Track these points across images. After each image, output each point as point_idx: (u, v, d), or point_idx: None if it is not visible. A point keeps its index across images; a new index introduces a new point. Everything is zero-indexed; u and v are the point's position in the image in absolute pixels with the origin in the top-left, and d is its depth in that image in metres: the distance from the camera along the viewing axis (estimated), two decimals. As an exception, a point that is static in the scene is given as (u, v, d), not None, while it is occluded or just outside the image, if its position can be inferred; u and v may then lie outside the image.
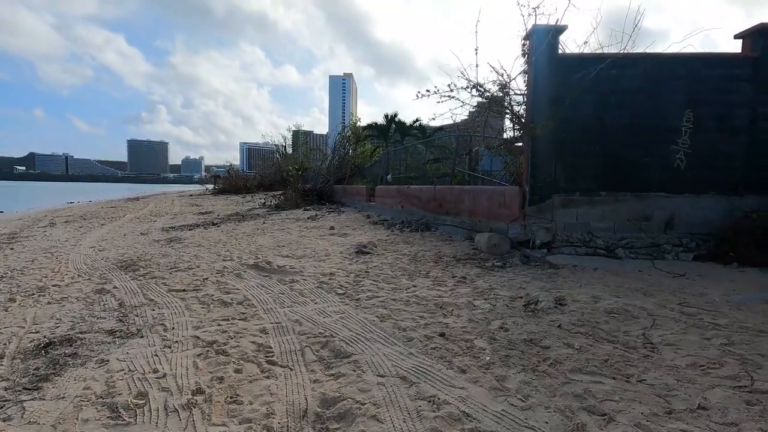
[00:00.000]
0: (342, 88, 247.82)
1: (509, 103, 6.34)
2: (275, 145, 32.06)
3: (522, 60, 6.09)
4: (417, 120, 22.15)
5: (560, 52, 5.40)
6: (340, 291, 4.10)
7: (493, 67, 5.78)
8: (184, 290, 4.38)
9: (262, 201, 18.19)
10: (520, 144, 7.42)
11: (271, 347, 2.85)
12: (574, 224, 5.52)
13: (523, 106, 6.20)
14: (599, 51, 5.42)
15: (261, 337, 3.05)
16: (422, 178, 13.24)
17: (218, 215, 13.60)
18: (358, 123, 19.40)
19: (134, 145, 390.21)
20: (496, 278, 4.49)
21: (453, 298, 3.77)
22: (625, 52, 5.27)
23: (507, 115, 6.38)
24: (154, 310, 3.75)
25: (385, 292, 4.06)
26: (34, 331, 3.32)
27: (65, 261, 6.35)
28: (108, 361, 2.70)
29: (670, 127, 5.40)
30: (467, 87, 6.64)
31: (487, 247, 5.64)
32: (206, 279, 4.84)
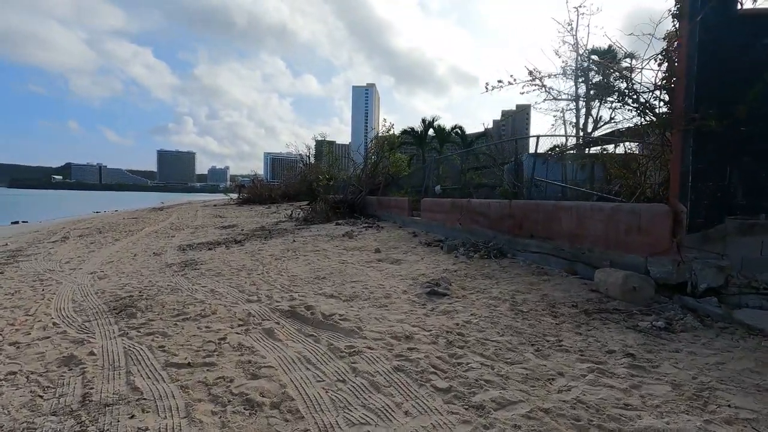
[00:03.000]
0: (365, 98, 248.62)
1: (631, 87, 4.65)
2: (299, 154, 31.03)
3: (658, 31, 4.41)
4: (456, 126, 20.45)
5: (739, 8, 3.68)
6: (440, 383, 2.46)
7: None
8: (189, 365, 2.84)
9: (289, 213, 16.86)
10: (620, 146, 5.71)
11: None
12: (758, 261, 3.72)
13: (656, 93, 4.48)
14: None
15: None
16: (462, 189, 11.57)
17: (242, 230, 12.25)
18: (392, 130, 17.91)
19: (163, 155, 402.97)
20: (683, 356, 2.75)
21: (660, 417, 2.06)
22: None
23: (629, 104, 4.67)
24: (133, 416, 2.21)
25: (517, 387, 2.39)
26: None
27: (50, 296, 4.97)
28: None
29: None
30: (564, 73, 4.99)
31: (621, 292, 3.90)
32: (223, 339, 3.30)
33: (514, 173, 11.28)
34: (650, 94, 4.51)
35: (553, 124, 13.21)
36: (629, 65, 4.63)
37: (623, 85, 4.71)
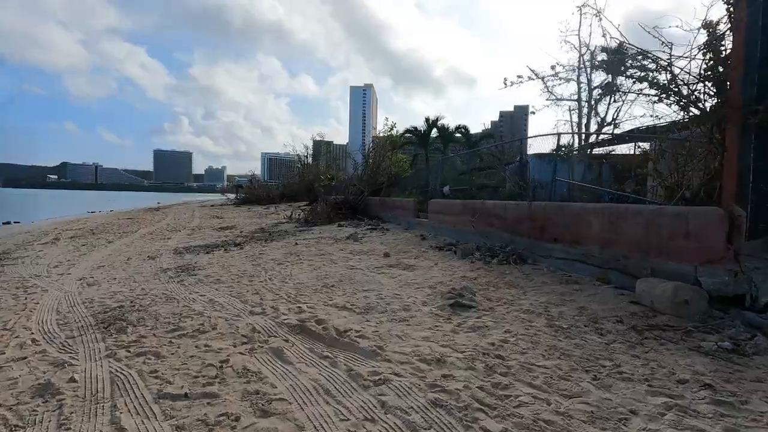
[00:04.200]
0: (363, 99, 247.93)
1: (673, 79, 4.25)
2: (297, 155, 30.61)
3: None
4: (460, 125, 20.07)
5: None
6: (491, 425, 2.02)
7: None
8: (185, 396, 2.40)
9: (288, 214, 16.41)
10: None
11: None
12: (826, 271, 3.32)
13: (704, 84, 4.09)
14: None
15: None
16: (469, 190, 11.16)
17: (241, 231, 11.80)
18: (394, 129, 17.49)
19: (160, 155, 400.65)
20: (770, 388, 2.34)
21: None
22: None
23: (671, 98, 4.26)
24: (116, 471, 1.77)
25: (585, 430, 1.97)
26: None
27: (33, 305, 4.52)
28: None
29: None
30: (594, 65, 4.59)
31: (672, 306, 3.49)
32: (225, 362, 2.87)
33: (519, 174, 10.88)
34: (695, 86, 4.10)
35: (555, 125, 12.83)
36: (670, 55, 4.21)
37: (662, 77, 4.31)
